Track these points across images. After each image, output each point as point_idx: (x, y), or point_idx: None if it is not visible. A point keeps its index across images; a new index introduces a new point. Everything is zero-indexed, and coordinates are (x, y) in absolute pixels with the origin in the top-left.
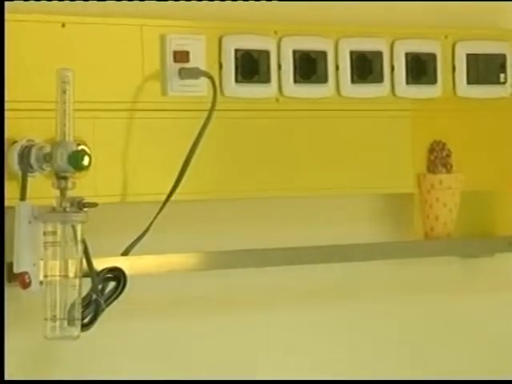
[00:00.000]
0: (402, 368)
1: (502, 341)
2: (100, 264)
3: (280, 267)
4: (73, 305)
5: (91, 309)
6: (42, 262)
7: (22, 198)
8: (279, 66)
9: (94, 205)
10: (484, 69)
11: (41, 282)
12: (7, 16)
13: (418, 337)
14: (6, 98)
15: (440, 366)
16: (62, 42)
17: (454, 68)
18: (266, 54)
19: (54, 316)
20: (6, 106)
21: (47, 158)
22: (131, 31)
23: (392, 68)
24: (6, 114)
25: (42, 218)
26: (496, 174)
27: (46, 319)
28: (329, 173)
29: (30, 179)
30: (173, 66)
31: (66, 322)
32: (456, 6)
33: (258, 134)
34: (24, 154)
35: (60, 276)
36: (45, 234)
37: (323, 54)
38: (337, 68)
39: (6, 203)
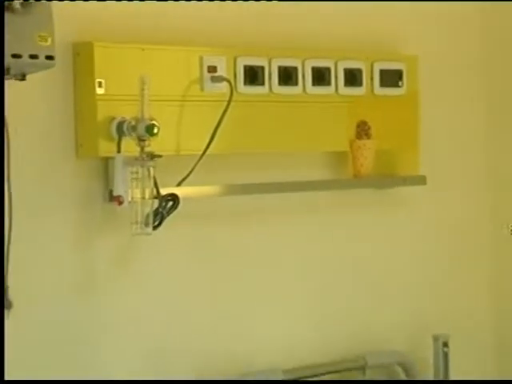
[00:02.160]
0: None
1: (397, 239)
2: (163, 191)
3: (264, 194)
4: (148, 215)
5: (158, 217)
6: (129, 190)
7: (118, 151)
8: (270, 76)
9: (160, 156)
10: (389, 78)
11: (129, 201)
12: (110, 44)
13: (350, 237)
14: (112, 92)
15: (363, 253)
16: (142, 59)
17: (372, 78)
18: (262, 68)
19: (137, 221)
20: (110, 97)
21: (133, 128)
22: (183, 53)
23: (336, 77)
24: (110, 103)
25: (129, 163)
26: (396, 140)
27: (131, 223)
28: (298, 138)
29: (122, 141)
30: (207, 75)
31: (143, 225)
32: (374, 40)
33: (256, 115)
34: (119, 126)
35: (140, 198)
36: (131, 173)
37: (295, 69)
38: (303, 77)
39: (108, 155)
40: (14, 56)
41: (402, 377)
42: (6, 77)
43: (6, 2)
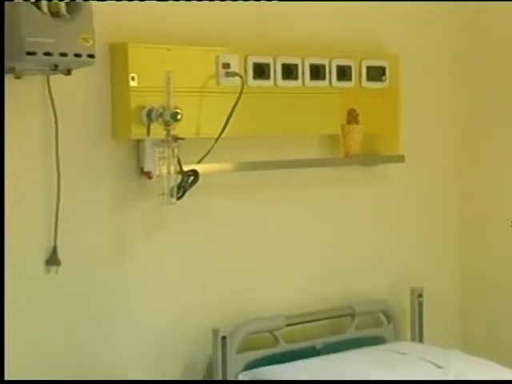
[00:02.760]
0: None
1: (380, 207)
2: (186, 168)
3: (269, 170)
4: (172, 187)
5: (181, 190)
6: (157, 167)
7: (148, 134)
8: (274, 71)
9: (182, 138)
10: (375, 73)
11: (157, 176)
12: (141, 44)
13: (341, 206)
14: (142, 84)
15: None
16: (168, 57)
17: (360, 73)
18: (268, 65)
19: (163, 193)
20: (141, 89)
21: (160, 115)
22: (202, 53)
23: (330, 72)
24: (141, 94)
25: (157, 144)
26: (380, 125)
27: (159, 194)
28: (298, 123)
29: (151, 126)
30: (222, 71)
31: (169, 196)
32: (361, 40)
33: (263, 105)
34: (148, 113)
35: (166, 173)
36: (159, 152)
37: (296, 66)
38: (302, 72)
39: (139, 137)
40: (62, 55)
41: (385, 323)
42: (54, 72)
43: (54, 9)
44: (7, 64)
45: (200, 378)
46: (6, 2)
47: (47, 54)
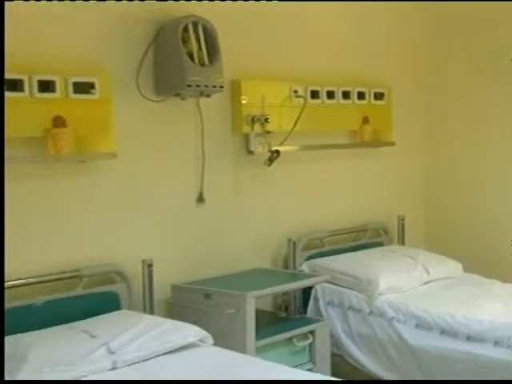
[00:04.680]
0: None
1: (379, 172)
2: (273, 148)
3: (317, 150)
4: (265, 159)
5: (271, 161)
6: (257, 148)
7: (252, 130)
8: (322, 95)
9: (271, 132)
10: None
11: (257, 153)
12: (248, 80)
13: (355, 169)
14: (249, 102)
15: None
16: (263, 87)
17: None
18: (318, 91)
19: (261, 162)
20: (248, 105)
21: (258, 119)
22: (282, 84)
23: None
24: (248, 107)
25: (257, 135)
26: (381, 125)
27: (259, 163)
28: (332, 123)
29: (254, 125)
30: (292, 94)
31: (264, 164)
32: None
33: (315, 113)
34: (252, 118)
35: (262, 151)
36: (257, 140)
37: (318, 91)
38: (322, 95)
39: (247, 132)
40: (205, 86)
41: (383, 235)
42: (201, 96)
43: (201, 61)
44: (176, 91)
45: (280, 267)
46: (178, 59)
47: (198, 86)
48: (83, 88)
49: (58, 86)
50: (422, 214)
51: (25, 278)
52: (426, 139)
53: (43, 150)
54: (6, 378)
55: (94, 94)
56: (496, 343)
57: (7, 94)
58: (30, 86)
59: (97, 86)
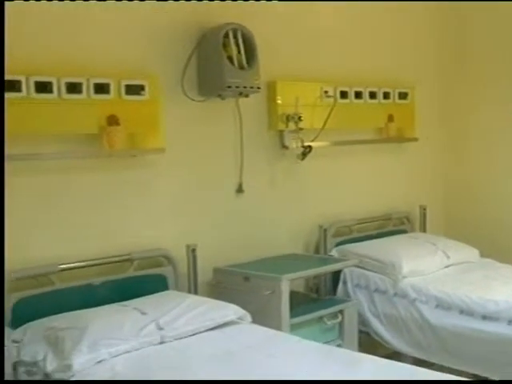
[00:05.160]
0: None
1: (404, 165)
2: (305, 143)
3: (346, 146)
4: (299, 154)
5: (304, 156)
6: (291, 143)
7: (286, 127)
8: (350, 95)
9: (303, 129)
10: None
11: (291, 148)
12: (282, 81)
13: (383, 162)
14: (283, 102)
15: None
16: (296, 88)
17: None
18: (346, 92)
19: (294, 156)
20: (283, 104)
21: (292, 117)
22: (313, 85)
23: (368, 95)
24: (283, 106)
25: (291, 132)
26: (405, 123)
27: (293, 157)
28: (360, 121)
29: (288, 123)
30: (323, 94)
31: (297, 158)
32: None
33: (344, 112)
34: (287, 116)
35: (295, 147)
36: (291, 136)
37: (347, 92)
38: (350, 95)
39: (282, 129)
40: (244, 87)
41: (407, 223)
42: (240, 96)
43: (240, 64)
44: (217, 92)
45: (312, 252)
46: (219, 63)
47: (237, 87)
48: (134, 90)
49: (112, 88)
50: (441, 203)
51: (84, 261)
52: (446, 135)
53: (98, 145)
54: (69, 346)
55: (144, 95)
56: (510, 322)
57: (68, 96)
58: (88, 89)
59: (146, 88)
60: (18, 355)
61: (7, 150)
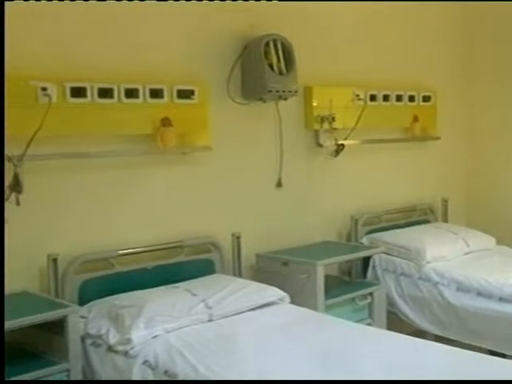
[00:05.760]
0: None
1: (425, 160)
2: (339, 142)
3: (376, 144)
4: (332, 151)
5: (337, 153)
6: (325, 141)
7: (321, 127)
8: (378, 98)
9: (336, 129)
10: (427, 99)
11: (325, 146)
12: (317, 86)
13: (406, 157)
14: (318, 104)
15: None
16: (326, 93)
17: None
18: (375, 95)
19: (328, 153)
20: (318, 106)
21: (326, 118)
22: (345, 89)
23: (395, 98)
24: (318, 108)
25: (325, 131)
26: (429, 123)
27: (326, 154)
28: (387, 121)
29: (322, 123)
30: (355, 97)
31: (331, 155)
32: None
33: (373, 113)
34: (322, 117)
35: (329, 144)
36: (326, 135)
37: (388, 96)
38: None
39: (317, 128)
40: (283, 91)
41: (430, 214)
42: (279, 99)
43: (280, 70)
44: (259, 96)
45: (344, 240)
46: (261, 69)
47: (277, 91)
48: (185, 94)
49: (166, 93)
50: (462, 196)
51: (140, 247)
52: (467, 134)
53: (153, 144)
54: (128, 322)
55: (193, 99)
56: None
57: (126, 101)
58: (144, 94)
59: (196, 92)
60: (85, 328)
61: (59, 150)
